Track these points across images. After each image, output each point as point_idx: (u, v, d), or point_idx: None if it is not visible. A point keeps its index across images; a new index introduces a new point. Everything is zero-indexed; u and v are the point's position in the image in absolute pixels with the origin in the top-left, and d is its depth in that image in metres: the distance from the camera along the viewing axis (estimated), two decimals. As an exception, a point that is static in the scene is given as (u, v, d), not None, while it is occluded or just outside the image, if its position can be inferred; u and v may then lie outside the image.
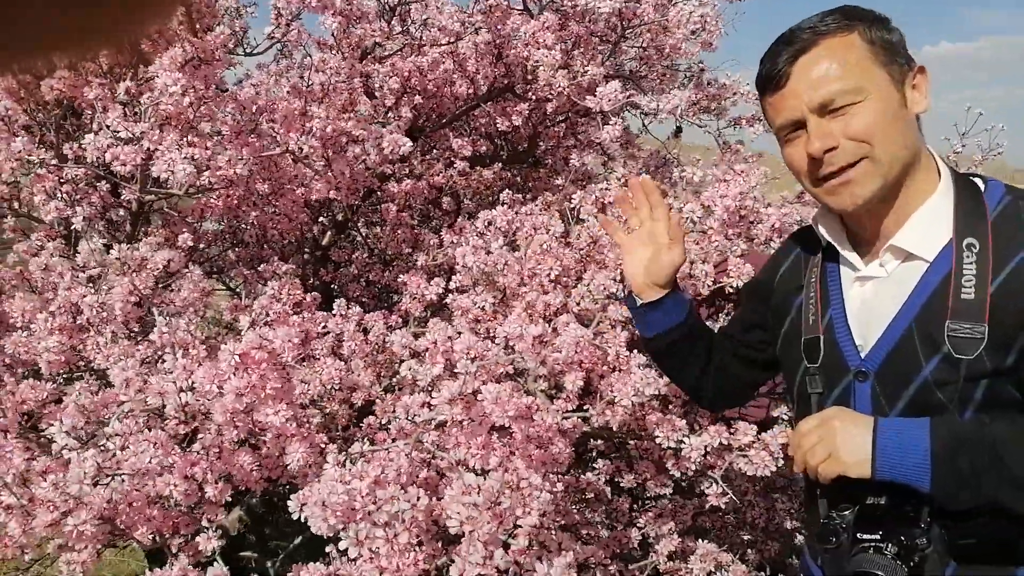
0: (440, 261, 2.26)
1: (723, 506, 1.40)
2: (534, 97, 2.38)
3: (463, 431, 1.19)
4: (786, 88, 0.97)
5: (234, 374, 1.14)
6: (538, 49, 2.10)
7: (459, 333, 1.32)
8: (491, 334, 1.80)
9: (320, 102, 1.88)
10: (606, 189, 1.88)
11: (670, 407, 1.50)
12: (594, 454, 1.83)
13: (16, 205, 2.04)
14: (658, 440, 1.40)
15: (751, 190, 1.50)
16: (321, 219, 2.72)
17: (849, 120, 0.93)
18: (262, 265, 2.13)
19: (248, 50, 2.06)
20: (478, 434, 1.21)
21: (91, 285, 1.65)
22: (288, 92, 2.20)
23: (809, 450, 0.93)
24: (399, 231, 2.47)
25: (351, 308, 1.92)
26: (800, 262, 1.15)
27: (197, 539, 1.38)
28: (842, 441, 0.91)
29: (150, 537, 1.37)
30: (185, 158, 1.57)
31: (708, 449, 1.33)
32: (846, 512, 0.94)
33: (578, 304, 1.66)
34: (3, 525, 1.27)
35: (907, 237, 0.97)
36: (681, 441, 1.37)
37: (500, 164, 2.74)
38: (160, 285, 1.57)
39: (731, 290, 1.56)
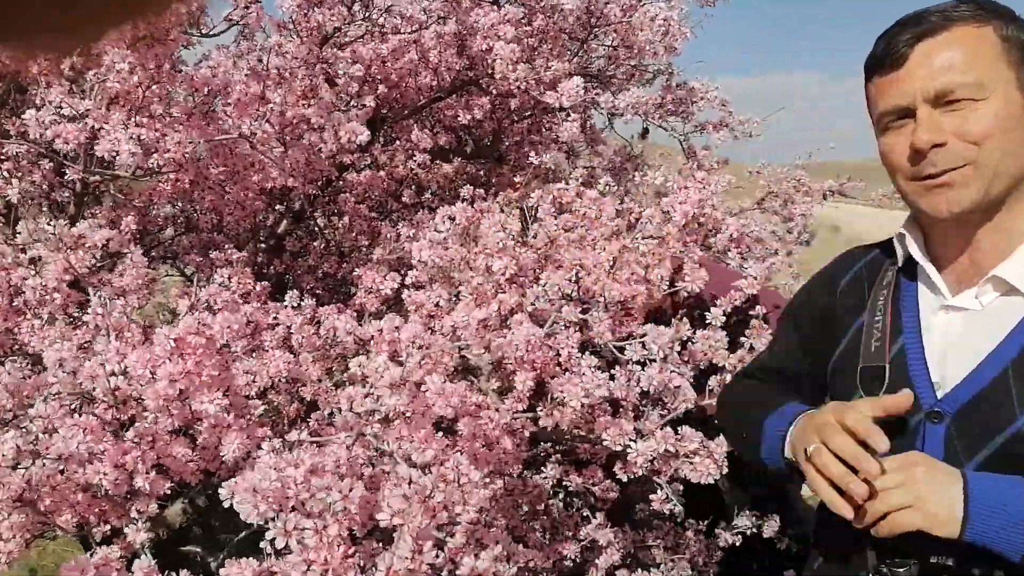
0: (396, 256, 2.23)
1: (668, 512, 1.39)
2: (495, 91, 2.37)
3: (406, 423, 1.16)
4: (902, 70, 0.88)
5: (168, 359, 1.10)
6: (497, 41, 2.08)
7: (403, 323, 1.30)
8: (440, 328, 1.78)
9: (278, 86, 1.83)
10: (564, 188, 1.87)
11: (620, 411, 1.49)
12: (543, 457, 1.82)
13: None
14: (605, 443, 1.39)
15: (711, 198, 1.49)
16: (278, 207, 2.66)
17: (964, 117, 0.84)
18: (214, 252, 2.07)
19: (205, 31, 2.00)
20: (421, 427, 1.19)
21: (32, 266, 1.58)
22: (246, 75, 2.15)
23: (886, 494, 0.80)
24: (356, 223, 2.43)
25: (304, 300, 1.88)
26: (861, 279, 1.04)
27: (126, 530, 1.33)
28: (929, 492, 0.78)
29: (74, 524, 1.32)
30: (131, 138, 1.51)
31: (654, 455, 1.32)
32: (902, 569, 0.84)
33: (533, 304, 1.65)
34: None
35: (1016, 269, 0.86)
36: (628, 445, 1.36)
37: (462, 158, 2.71)
38: (100, 267, 1.52)
39: (686, 294, 1.56)
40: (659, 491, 1.40)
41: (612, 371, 1.52)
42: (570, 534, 1.58)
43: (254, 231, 2.59)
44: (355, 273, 2.18)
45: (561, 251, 1.74)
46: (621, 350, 1.52)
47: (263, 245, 2.62)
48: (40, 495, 1.18)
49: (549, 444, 1.82)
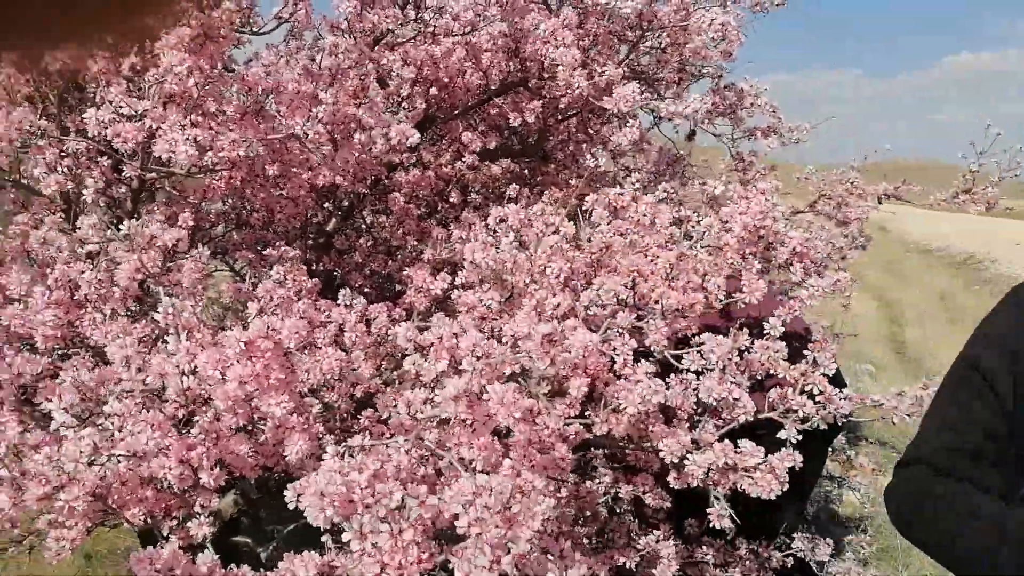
0: (447, 256, 2.23)
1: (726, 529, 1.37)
2: (548, 95, 2.35)
3: (465, 430, 1.17)
4: None
5: (238, 361, 1.11)
6: (556, 47, 2.07)
7: (464, 330, 1.30)
8: (496, 333, 1.78)
9: (330, 86, 1.84)
10: (620, 193, 1.85)
11: (674, 420, 1.48)
12: (595, 464, 1.81)
13: (17, 176, 2.00)
14: (661, 454, 1.38)
15: (772, 210, 1.47)
16: (327, 205, 2.69)
17: None
18: (268, 249, 2.10)
19: (255, 29, 2.02)
20: (481, 434, 1.19)
21: (89, 261, 1.62)
22: (299, 74, 2.17)
23: None
24: (405, 222, 2.44)
25: (356, 299, 1.89)
26: None
27: (189, 524, 1.35)
28: None
29: (141, 518, 1.35)
30: (187, 139, 1.53)
31: (712, 467, 1.31)
32: None
33: (587, 309, 1.64)
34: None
35: None
36: (685, 457, 1.35)
37: (509, 159, 2.71)
38: (165, 265, 1.54)
39: (743, 305, 1.54)
40: (715, 504, 1.38)
41: (667, 379, 1.50)
42: (623, 542, 1.57)
43: (303, 228, 2.62)
44: (405, 272, 2.19)
45: (616, 256, 1.72)
46: (677, 358, 1.50)
47: (312, 242, 2.65)
48: (110, 490, 1.21)
49: (600, 450, 1.81)
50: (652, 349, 1.52)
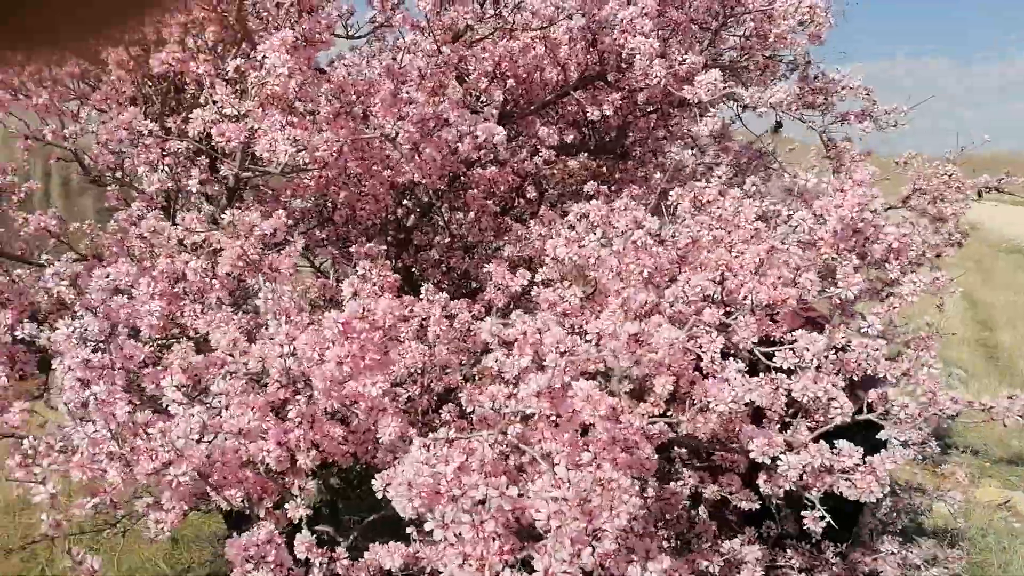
0: (526, 253, 2.23)
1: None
2: (627, 87, 2.32)
3: (549, 426, 1.16)
4: None
5: (335, 343, 1.14)
6: (634, 36, 2.04)
7: (547, 327, 1.30)
8: (579, 329, 1.77)
9: (417, 86, 1.87)
10: (706, 187, 1.81)
11: (764, 420, 1.44)
12: (678, 463, 1.78)
13: (119, 174, 2.12)
14: (752, 455, 1.34)
15: (871, 202, 1.41)
16: (405, 202, 2.73)
17: None
18: (353, 247, 2.15)
19: (350, 33, 2.07)
20: (564, 430, 1.18)
21: (193, 252, 1.69)
22: (381, 74, 2.21)
23: None
24: (483, 219, 2.46)
25: (438, 294, 1.92)
26: None
27: (285, 506, 1.40)
28: None
29: (239, 499, 1.40)
30: (287, 139, 1.58)
31: (807, 469, 1.26)
32: None
33: (671, 306, 1.61)
34: (104, 472, 1.32)
35: None
36: (777, 458, 1.31)
37: (587, 154, 2.69)
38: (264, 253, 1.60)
39: (839, 301, 1.48)
40: (812, 509, 1.33)
41: (756, 378, 1.46)
42: (706, 545, 1.54)
43: (383, 225, 2.67)
44: (483, 269, 2.20)
45: (703, 252, 1.69)
46: (768, 356, 1.46)
47: (391, 239, 2.70)
48: (213, 469, 1.26)
49: (684, 449, 1.78)
50: (740, 347, 1.48)
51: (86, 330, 1.22)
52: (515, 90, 2.50)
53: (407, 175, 2.24)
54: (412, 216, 2.70)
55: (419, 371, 1.80)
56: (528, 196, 2.60)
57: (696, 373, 1.51)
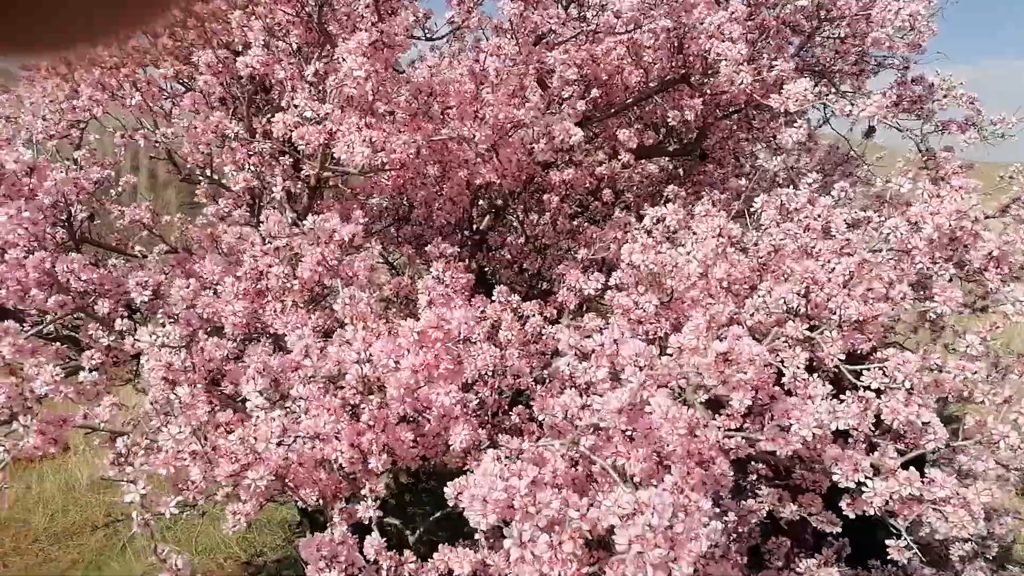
0: (601, 255, 2.20)
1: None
2: (709, 91, 2.26)
3: (624, 440, 1.14)
4: None
5: (411, 350, 1.15)
6: (722, 42, 1.97)
7: (623, 334, 1.27)
8: (652, 336, 1.73)
9: (495, 88, 1.87)
10: (793, 194, 1.74)
11: (851, 441, 1.37)
12: (754, 478, 1.72)
13: (208, 172, 2.20)
14: (835, 478, 1.28)
15: (972, 209, 1.32)
16: (480, 202, 2.74)
17: None
18: (428, 246, 2.17)
19: (429, 35, 2.09)
20: (640, 445, 1.16)
21: (276, 255, 1.73)
22: (462, 75, 2.22)
23: None
24: (558, 221, 2.44)
25: (511, 295, 1.91)
26: None
27: (357, 506, 1.42)
28: None
29: (314, 498, 1.43)
30: (364, 141, 1.60)
31: (894, 496, 1.19)
32: None
33: (751, 316, 1.55)
34: (186, 469, 1.37)
35: None
36: (863, 483, 1.24)
37: (665, 157, 2.63)
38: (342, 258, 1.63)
39: (934, 316, 1.39)
40: (898, 538, 1.26)
41: (841, 396, 1.39)
42: (779, 563, 1.48)
43: (458, 225, 2.69)
44: (556, 271, 2.19)
45: (787, 261, 1.62)
46: (856, 374, 1.39)
47: (464, 238, 2.71)
48: (289, 470, 1.29)
49: (761, 465, 1.71)
50: (826, 363, 1.42)
51: (168, 337, 1.27)
52: (595, 93, 2.47)
53: (483, 177, 2.24)
54: (487, 217, 2.71)
55: (489, 373, 1.80)
56: (604, 199, 2.57)
57: (776, 388, 1.45)
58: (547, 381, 2.06)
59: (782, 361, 1.46)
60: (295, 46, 1.86)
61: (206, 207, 2.43)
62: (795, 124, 1.93)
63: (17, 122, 2.90)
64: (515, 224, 2.86)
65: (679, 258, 1.67)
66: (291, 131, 1.80)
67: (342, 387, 1.35)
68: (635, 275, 1.84)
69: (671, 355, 1.21)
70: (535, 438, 1.84)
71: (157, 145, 1.89)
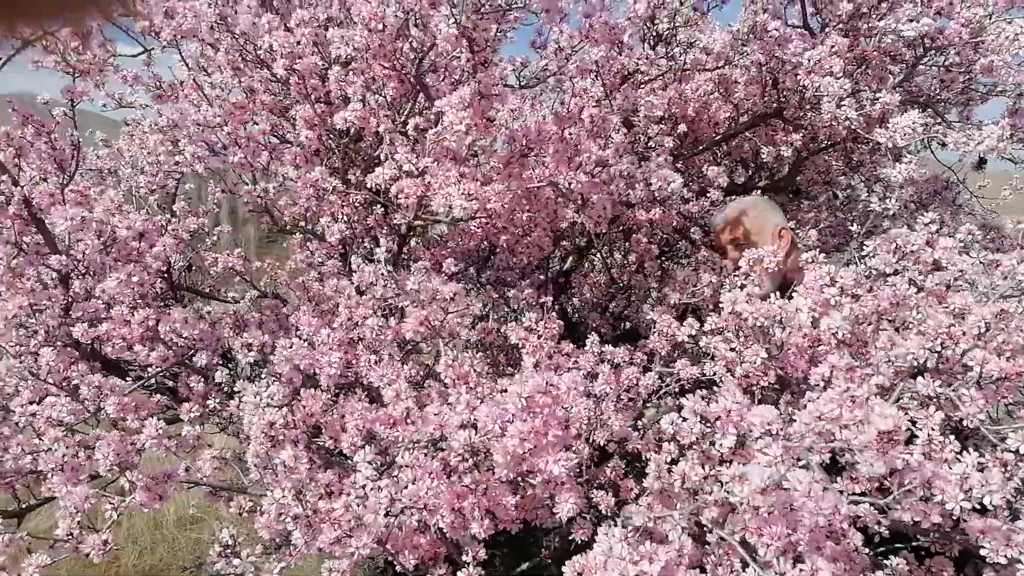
0: (696, 301, 2.13)
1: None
2: (807, 126, 2.17)
3: (758, 519, 1.06)
4: None
5: (518, 417, 1.11)
6: (823, 77, 1.89)
7: (751, 399, 1.19)
8: (762, 392, 1.64)
9: (592, 136, 1.83)
10: (909, 235, 1.64)
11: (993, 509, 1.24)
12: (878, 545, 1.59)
13: (303, 223, 2.23)
14: (983, 552, 1.16)
15: None
16: (564, 243, 2.70)
17: None
18: (512, 290, 2.14)
19: (523, 83, 2.08)
20: (774, 522, 1.07)
21: (372, 306, 1.73)
22: (547, 119, 2.20)
23: None
24: (647, 263, 2.37)
25: (605, 346, 1.86)
26: None
27: (459, 573, 1.38)
28: None
29: (413, 563, 1.40)
30: (462, 194, 1.59)
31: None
32: None
33: (872, 372, 1.45)
34: (288, 533, 1.36)
35: None
36: (1018, 560, 1.12)
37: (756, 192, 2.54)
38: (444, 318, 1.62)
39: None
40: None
41: (980, 457, 1.27)
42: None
43: (539, 265, 2.65)
44: (647, 316, 2.12)
45: (913, 312, 1.52)
46: (1001, 436, 1.27)
47: (547, 278, 2.67)
48: (391, 535, 1.26)
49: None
50: (965, 424, 1.30)
51: (272, 397, 1.26)
52: (682, 130, 2.41)
53: (569, 219, 2.21)
54: (570, 258, 2.67)
55: (585, 426, 1.74)
56: (693, 238, 2.49)
57: (909, 450, 1.34)
58: (642, 433, 1.99)
59: (913, 421, 1.35)
60: (390, 98, 1.88)
61: (295, 253, 2.47)
62: (904, 159, 1.83)
63: (117, 174, 3.04)
64: (598, 263, 2.81)
65: (788, 308, 1.58)
66: (389, 185, 1.81)
67: (442, 449, 1.32)
68: (736, 322, 1.76)
69: (798, 419, 1.12)
70: (633, 496, 1.77)
71: (259, 200, 1.93)
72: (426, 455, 1.21)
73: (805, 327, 1.56)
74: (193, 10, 1.84)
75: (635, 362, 2.03)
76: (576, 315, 2.78)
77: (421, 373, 1.78)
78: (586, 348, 1.90)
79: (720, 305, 1.80)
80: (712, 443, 1.23)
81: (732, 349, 1.72)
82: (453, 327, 1.49)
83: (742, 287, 1.77)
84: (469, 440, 1.11)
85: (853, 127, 1.83)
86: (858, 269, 1.70)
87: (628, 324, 2.77)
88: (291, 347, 1.52)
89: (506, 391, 1.74)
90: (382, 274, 1.71)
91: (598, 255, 2.69)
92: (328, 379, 1.71)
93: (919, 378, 1.38)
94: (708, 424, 1.14)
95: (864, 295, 1.62)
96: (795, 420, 1.22)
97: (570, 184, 1.67)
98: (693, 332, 2.01)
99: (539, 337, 1.80)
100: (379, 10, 1.67)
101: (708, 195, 2.44)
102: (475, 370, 1.37)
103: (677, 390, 1.97)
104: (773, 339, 1.63)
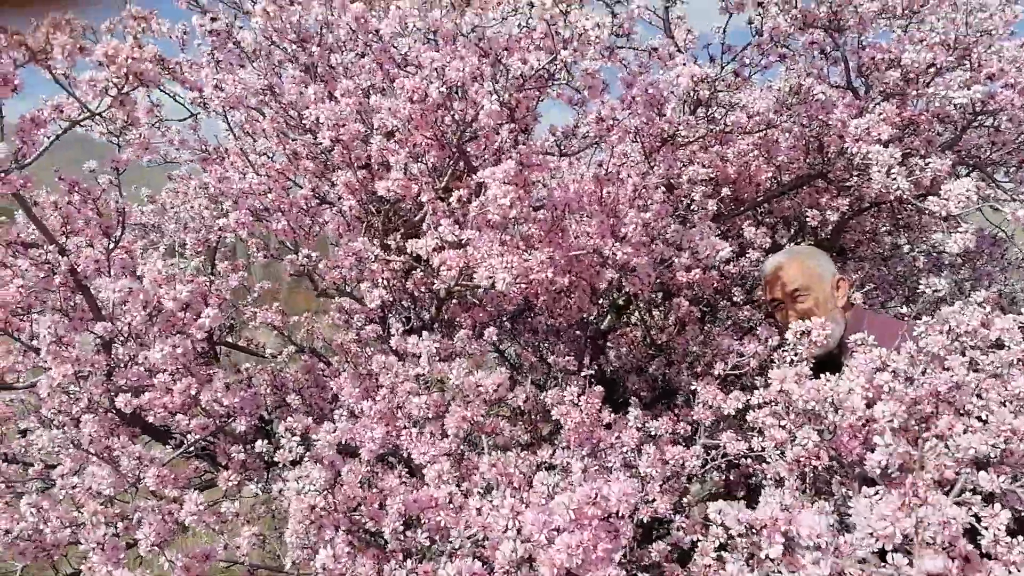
0: (738, 370, 2.08)
1: None
2: (854, 190, 2.13)
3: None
4: None
5: (566, 529, 1.08)
6: (871, 144, 1.86)
7: (798, 502, 1.14)
8: (817, 486, 1.59)
9: (632, 203, 1.82)
10: (960, 314, 1.58)
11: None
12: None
13: (343, 286, 2.24)
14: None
15: None
16: (601, 301, 2.67)
17: None
18: (552, 357, 2.11)
19: (564, 151, 2.08)
20: (836, 641, 1.02)
21: (417, 383, 1.72)
22: (585, 177, 2.19)
23: None
24: (688, 327, 2.33)
25: (648, 421, 1.82)
26: None
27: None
28: None
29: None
30: (504, 266, 1.58)
31: None
32: None
33: (932, 463, 1.39)
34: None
35: None
36: None
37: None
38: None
39: None
40: None
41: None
42: None
43: (577, 324, 2.62)
44: (691, 386, 2.07)
45: (965, 397, 1.45)
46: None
47: (583, 337, 2.64)
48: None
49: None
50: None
51: (312, 482, 1.25)
52: (724, 192, 2.39)
53: (608, 279, 2.18)
54: (608, 317, 2.63)
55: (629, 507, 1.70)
56: (735, 299, 2.44)
57: (974, 551, 1.28)
58: (687, 512, 1.93)
59: (977, 518, 1.29)
60: (431, 165, 1.88)
61: (332, 311, 2.48)
62: (961, 229, 1.77)
63: (160, 229, 3.10)
64: (637, 323, 2.77)
65: (840, 389, 1.53)
66: (430, 255, 1.81)
67: (483, 547, 1.29)
68: (785, 400, 1.71)
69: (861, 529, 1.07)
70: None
71: (301, 268, 1.94)
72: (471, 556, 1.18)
73: (859, 411, 1.50)
74: (242, 82, 1.87)
75: (677, 432, 1.98)
76: (612, 373, 2.74)
77: (462, 450, 1.75)
78: (627, 420, 1.86)
79: (768, 378, 1.75)
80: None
81: (782, 426, 1.67)
82: (496, 425, 1.47)
83: (792, 362, 1.72)
84: (515, 550, 1.07)
85: (904, 197, 1.79)
86: (910, 347, 1.64)
87: (667, 383, 2.72)
88: (334, 432, 1.51)
89: (551, 466, 1.70)
90: (424, 350, 1.70)
91: (637, 314, 2.65)
92: (369, 453, 1.69)
93: (981, 472, 1.32)
94: (754, 531, 1.09)
95: (919, 378, 1.56)
96: (848, 515, 1.17)
97: (615, 254, 1.65)
98: (740, 405, 1.95)
99: (580, 411, 1.76)
100: (423, 84, 1.68)
101: (748, 255, 2.40)
102: (519, 470, 1.34)
103: (723, 466, 1.92)
104: (826, 421, 1.58)
